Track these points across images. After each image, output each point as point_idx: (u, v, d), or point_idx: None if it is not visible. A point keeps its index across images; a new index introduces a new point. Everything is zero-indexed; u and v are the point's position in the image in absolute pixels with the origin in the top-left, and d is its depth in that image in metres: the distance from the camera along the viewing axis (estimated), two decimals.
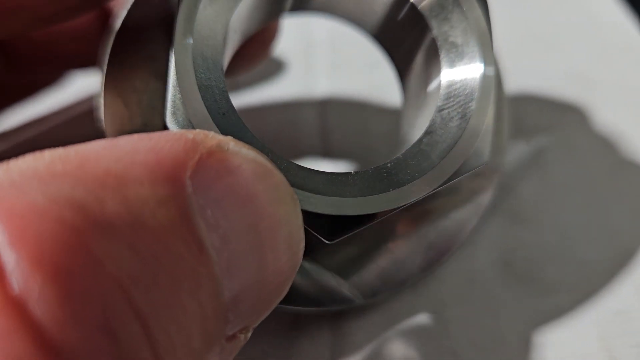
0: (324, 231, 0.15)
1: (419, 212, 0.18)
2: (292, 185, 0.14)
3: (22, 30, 0.19)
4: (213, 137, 0.13)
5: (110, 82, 0.16)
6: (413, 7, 0.18)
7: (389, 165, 0.16)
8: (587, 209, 0.21)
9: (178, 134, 0.12)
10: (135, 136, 0.12)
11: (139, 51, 0.16)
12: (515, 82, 0.25)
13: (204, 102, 0.15)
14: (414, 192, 0.15)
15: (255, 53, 0.23)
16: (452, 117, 0.16)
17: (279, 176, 0.13)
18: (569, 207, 0.21)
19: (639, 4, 0.29)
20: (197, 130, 0.13)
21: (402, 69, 0.20)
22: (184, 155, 0.12)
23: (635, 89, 0.25)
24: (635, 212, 0.21)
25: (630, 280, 0.19)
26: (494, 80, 0.16)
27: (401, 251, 0.18)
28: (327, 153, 0.24)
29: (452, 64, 0.17)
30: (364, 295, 0.18)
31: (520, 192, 0.22)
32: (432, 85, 0.18)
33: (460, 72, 0.17)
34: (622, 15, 0.28)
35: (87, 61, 0.22)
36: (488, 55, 0.17)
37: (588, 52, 0.27)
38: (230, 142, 0.13)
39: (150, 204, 0.11)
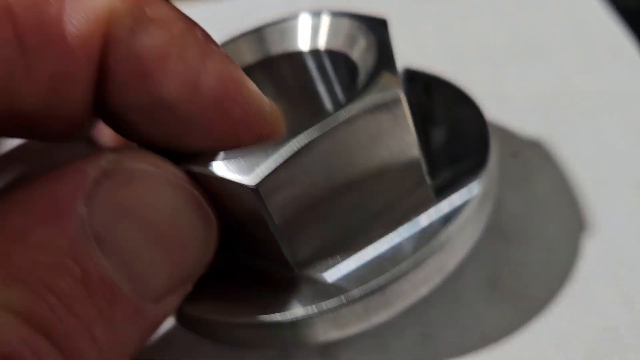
0: (248, 178, 0.15)
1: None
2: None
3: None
4: (107, 159, 0.14)
5: None
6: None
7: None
8: (574, 224, 0.21)
9: (72, 167, 0.14)
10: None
11: None
12: (501, 93, 0.24)
13: None
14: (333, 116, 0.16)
15: None
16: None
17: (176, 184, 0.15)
18: (555, 222, 0.21)
19: (628, 12, 0.28)
20: (94, 154, 0.14)
21: None
22: (74, 188, 0.13)
23: (624, 98, 0.25)
24: (623, 227, 0.21)
25: (619, 297, 0.19)
26: None
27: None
28: None
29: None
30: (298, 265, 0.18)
31: (505, 208, 0.22)
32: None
33: None
34: (611, 23, 0.27)
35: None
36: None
37: (576, 62, 0.26)
38: (125, 159, 0.14)
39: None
